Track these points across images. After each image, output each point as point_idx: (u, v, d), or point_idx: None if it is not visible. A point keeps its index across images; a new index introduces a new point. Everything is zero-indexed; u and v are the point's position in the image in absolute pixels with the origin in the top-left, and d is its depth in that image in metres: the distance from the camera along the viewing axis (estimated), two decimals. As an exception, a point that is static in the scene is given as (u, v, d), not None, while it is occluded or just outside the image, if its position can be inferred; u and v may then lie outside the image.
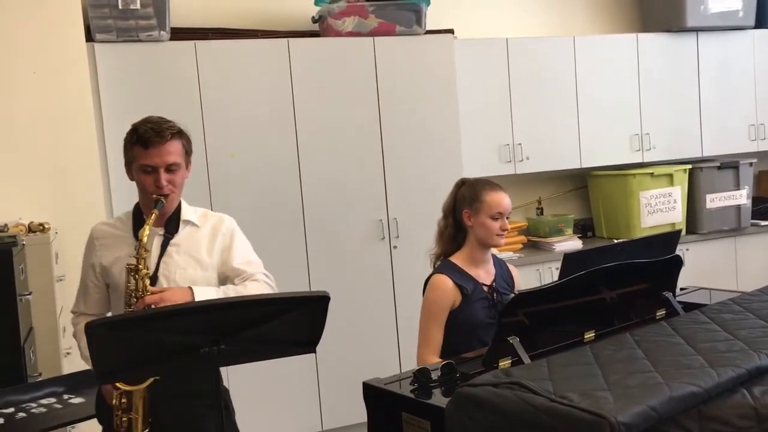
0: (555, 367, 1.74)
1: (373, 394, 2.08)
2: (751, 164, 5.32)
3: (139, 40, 3.84)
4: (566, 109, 4.92)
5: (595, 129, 4.98)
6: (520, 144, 4.78)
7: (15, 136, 3.51)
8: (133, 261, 2.21)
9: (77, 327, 2.37)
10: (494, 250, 2.81)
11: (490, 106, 4.72)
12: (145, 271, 2.20)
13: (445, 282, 2.63)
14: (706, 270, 4.94)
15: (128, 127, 3.88)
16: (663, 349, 1.81)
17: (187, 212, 2.39)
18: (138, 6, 3.78)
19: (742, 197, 5.25)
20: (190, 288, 2.23)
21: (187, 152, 2.34)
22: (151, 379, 2.15)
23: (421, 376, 2.04)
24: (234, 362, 2.30)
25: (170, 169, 2.27)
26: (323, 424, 4.24)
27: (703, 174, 5.18)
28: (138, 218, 2.35)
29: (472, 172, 4.33)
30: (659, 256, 2.39)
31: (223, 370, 2.38)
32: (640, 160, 5.13)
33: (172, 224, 2.34)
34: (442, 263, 2.73)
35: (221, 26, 4.30)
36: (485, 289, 2.68)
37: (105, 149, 3.79)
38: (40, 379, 2.87)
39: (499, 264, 2.81)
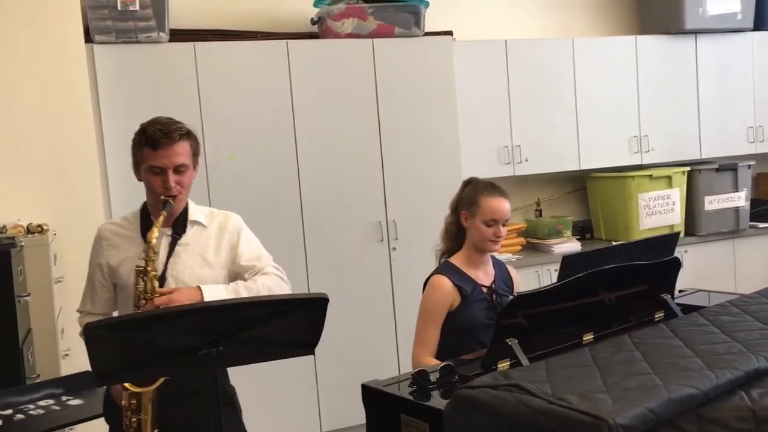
0: (553, 369, 1.74)
1: (371, 395, 2.08)
2: (749, 166, 5.32)
3: (138, 42, 3.84)
4: (565, 111, 4.92)
5: (593, 131, 4.98)
6: (519, 146, 4.79)
7: (14, 137, 3.51)
8: (142, 263, 2.21)
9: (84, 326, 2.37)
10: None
11: (489, 108, 4.72)
12: (153, 272, 2.21)
13: (444, 283, 2.63)
14: (704, 272, 4.94)
15: (127, 129, 3.87)
16: (661, 351, 1.81)
17: (195, 212, 2.40)
18: (137, 7, 3.78)
19: (740, 199, 5.26)
20: (199, 287, 2.23)
21: (195, 153, 2.34)
22: (161, 380, 2.15)
23: (419, 378, 2.04)
24: (233, 364, 2.30)
25: (178, 170, 2.27)
26: (322, 425, 4.23)
27: (702, 176, 5.19)
28: (145, 218, 2.36)
29: (470, 174, 4.29)
30: (658, 258, 2.40)
31: (228, 368, 2.39)
32: (638, 162, 5.14)
33: (179, 224, 2.35)
34: (442, 264, 2.73)
35: (220, 28, 4.31)
36: (484, 290, 2.67)
37: (104, 150, 3.79)
38: (38, 380, 2.87)
39: (499, 265, 2.81)
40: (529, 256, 4.82)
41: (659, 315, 2.41)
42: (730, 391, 1.60)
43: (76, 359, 3.26)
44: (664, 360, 1.74)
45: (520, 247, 4.88)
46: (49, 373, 3.02)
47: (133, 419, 2.20)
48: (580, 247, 4.87)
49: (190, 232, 2.36)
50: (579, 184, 5.38)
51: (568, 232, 4.97)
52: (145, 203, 2.39)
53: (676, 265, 2.46)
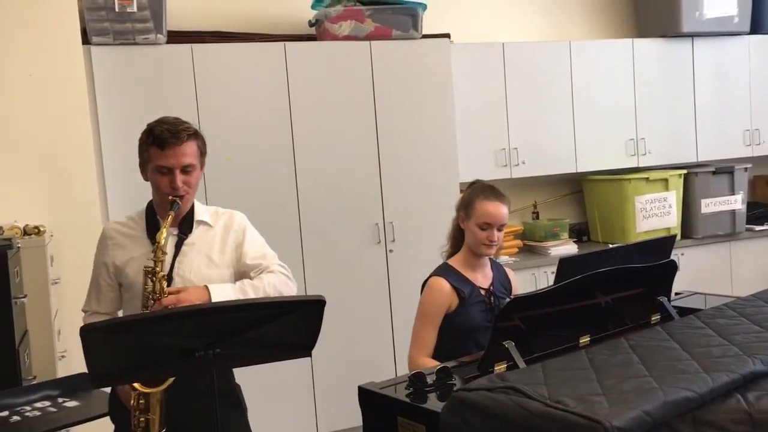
0: (550, 371, 1.74)
1: (368, 398, 2.08)
2: (746, 169, 5.34)
3: (136, 43, 3.84)
4: (562, 114, 4.93)
5: (590, 134, 4.99)
6: (516, 148, 4.79)
7: (11, 138, 3.50)
8: (150, 263, 2.21)
9: None
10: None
11: (486, 111, 4.73)
12: (162, 273, 2.21)
13: (442, 284, 2.63)
14: (700, 275, 4.95)
15: (125, 130, 3.90)
16: (658, 354, 1.82)
17: (200, 212, 2.40)
18: (135, 9, 3.78)
19: (737, 202, 5.27)
20: (207, 287, 2.23)
21: (202, 153, 2.35)
22: (170, 381, 2.16)
23: (416, 380, 2.04)
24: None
25: (186, 170, 2.27)
26: (318, 428, 4.23)
27: (698, 179, 5.20)
28: (151, 218, 2.36)
29: (468, 177, 4.33)
30: (654, 260, 2.40)
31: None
32: (635, 165, 5.15)
33: (186, 224, 2.36)
34: (440, 266, 2.74)
35: (218, 29, 4.31)
36: (482, 292, 2.68)
37: (101, 152, 3.79)
38: (34, 382, 2.86)
39: (497, 268, 2.81)
40: (525, 258, 4.82)
41: (656, 318, 2.41)
42: (727, 393, 1.60)
43: (72, 361, 3.26)
44: (660, 363, 1.74)
45: (516, 250, 4.89)
46: (45, 375, 3.02)
47: (142, 419, 2.21)
48: (577, 250, 4.88)
49: (197, 231, 2.37)
50: (576, 187, 5.38)
51: (565, 235, 4.98)
52: (150, 203, 2.39)
53: (673, 267, 2.46)
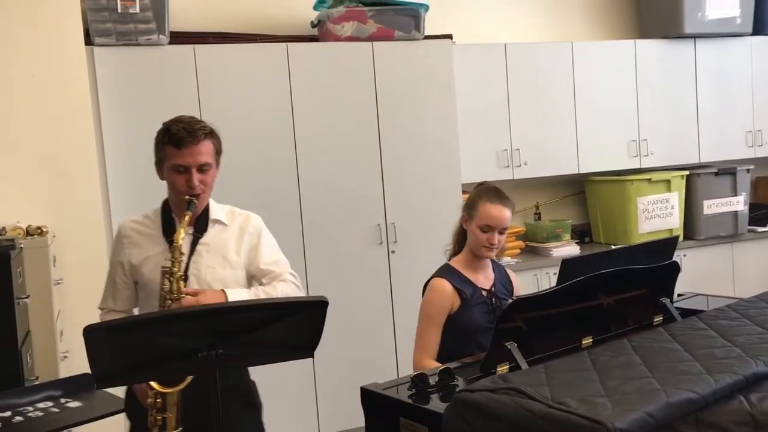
0: (553, 372, 1.74)
1: (370, 399, 2.08)
2: (748, 170, 5.33)
3: (138, 44, 3.85)
4: (564, 115, 4.93)
5: (592, 135, 4.99)
6: (518, 149, 4.79)
7: (14, 138, 3.51)
8: (167, 263, 2.22)
9: None
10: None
11: (489, 112, 4.73)
12: (179, 273, 2.22)
13: (444, 285, 2.63)
14: (703, 276, 4.95)
15: (127, 131, 3.91)
16: (660, 355, 1.82)
17: (216, 211, 2.41)
18: (137, 10, 3.78)
19: (739, 203, 5.26)
20: (223, 291, 2.25)
21: (218, 152, 2.35)
22: (188, 380, 2.16)
23: (419, 381, 2.04)
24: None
25: (202, 169, 2.28)
26: (320, 428, 4.23)
27: (701, 180, 5.19)
28: (167, 217, 2.37)
29: (470, 178, 4.35)
30: (657, 262, 2.40)
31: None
32: (637, 166, 5.15)
33: (201, 223, 2.37)
34: (442, 267, 2.73)
35: (220, 30, 4.31)
36: (484, 293, 2.67)
37: (103, 153, 3.79)
38: (37, 382, 2.86)
39: (498, 269, 2.81)
40: (527, 259, 4.82)
41: (658, 319, 2.41)
42: (729, 395, 1.60)
43: (74, 361, 3.26)
44: (663, 364, 1.74)
45: (518, 251, 4.88)
46: (47, 375, 3.02)
47: (158, 417, 2.22)
48: (579, 251, 4.87)
49: (212, 231, 2.38)
50: (578, 188, 5.38)
51: (567, 236, 4.98)
52: (165, 201, 2.41)
53: (675, 269, 2.46)
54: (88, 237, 3.63)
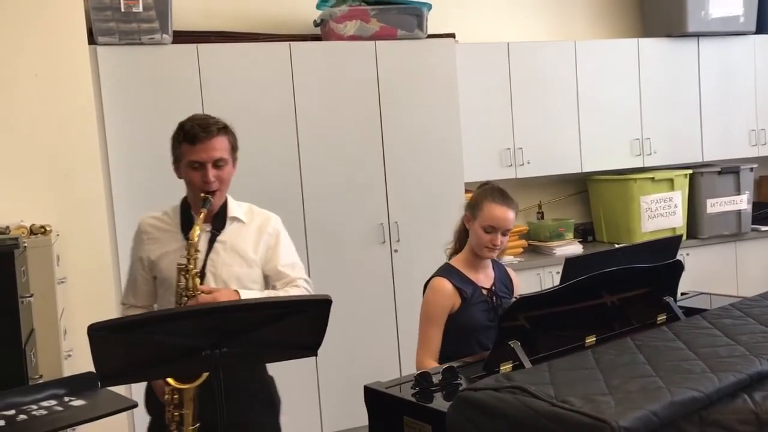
0: (556, 371, 1.74)
1: (374, 397, 2.08)
2: (751, 169, 5.33)
3: (142, 43, 3.85)
4: (567, 114, 4.93)
5: (595, 133, 4.99)
6: (521, 148, 4.79)
7: (17, 138, 3.51)
8: (183, 260, 2.24)
9: None
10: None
11: (491, 111, 4.72)
12: (195, 270, 2.24)
13: (444, 285, 2.63)
14: (706, 275, 4.94)
15: (130, 130, 3.92)
16: (664, 354, 1.81)
17: (234, 208, 2.43)
18: (140, 9, 3.78)
19: (742, 202, 5.26)
20: (237, 291, 2.27)
21: (234, 148, 2.39)
22: (204, 377, 2.18)
23: (422, 379, 2.04)
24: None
25: (217, 164, 2.31)
26: (323, 427, 4.23)
27: (704, 179, 5.19)
28: (185, 213, 2.39)
29: (472, 177, 4.35)
30: (660, 260, 2.40)
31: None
32: (640, 165, 5.14)
33: (218, 220, 2.39)
34: (442, 267, 2.74)
35: (223, 29, 4.31)
36: (484, 292, 2.68)
37: (107, 152, 3.80)
38: (40, 381, 2.87)
39: (498, 268, 2.81)
40: (530, 258, 4.82)
41: (661, 318, 2.41)
42: (733, 394, 1.60)
43: (78, 360, 3.27)
44: (666, 363, 1.74)
45: (521, 250, 4.88)
46: (51, 374, 3.02)
47: (176, 413, 2.25)
48: (582, 250, 4.87)
49: (229, 228, 2.40)
50: (581, 187, 5.38)
51: (570, 235, 4.98)
52: (185, 198, 2.43)
53: (679, 267, 2.46)
54: (92, 236, 3.64)
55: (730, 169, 5.25)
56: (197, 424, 2.25)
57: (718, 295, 2.88)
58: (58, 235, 3.44)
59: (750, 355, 1.73)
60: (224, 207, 2.41)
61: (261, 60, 4.10)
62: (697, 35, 5.22)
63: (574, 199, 5.41)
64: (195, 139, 2.27)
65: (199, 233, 2.26)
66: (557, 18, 5.35)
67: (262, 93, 4.08)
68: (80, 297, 3.55)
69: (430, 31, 4.44)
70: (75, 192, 3.60)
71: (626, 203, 5.00)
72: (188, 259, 2.24)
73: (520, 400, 1.57)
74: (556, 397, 1.56)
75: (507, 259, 4.53)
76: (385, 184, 4.33)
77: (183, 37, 4.06)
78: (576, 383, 1.64)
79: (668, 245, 2.75)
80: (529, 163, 4.81)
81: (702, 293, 2.93)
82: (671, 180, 5.06)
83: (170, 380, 2.21)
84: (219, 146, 2.30)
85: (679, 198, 5.07)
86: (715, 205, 5.18)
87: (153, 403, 2.40)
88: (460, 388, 1.96)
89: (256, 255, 2.40)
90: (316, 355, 2.02)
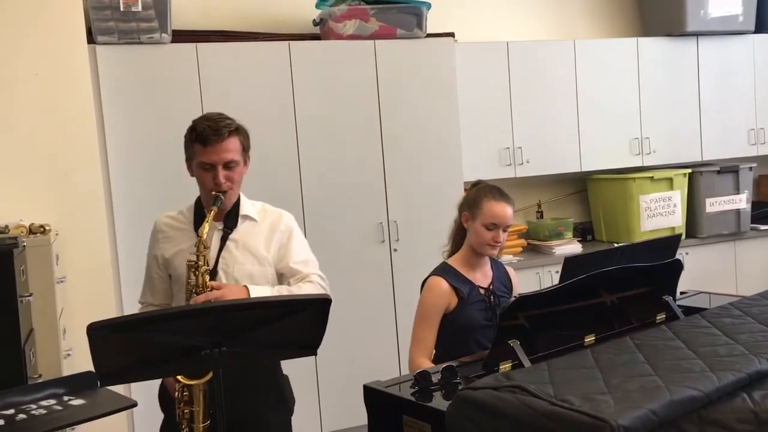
0: (556, 370, 1.74)
1: (373, 396, 2.08)
2: (750, 168, 5.33)
3: (141, 42, 3.85)
4: (566, 113, 4.93)
5: (595, 133, 4.99)
6: (520, 147, 4.79)
7: (16, 137, 3.51)
8: (193, 257, 2.26)
9: None
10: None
11: (491, 110, 4.73)
12: (204, 267, 2.25)
13: (440, 284, 2.63)
14: (705, 274, 4.94)
15: (129, 130, 3.93)
16: (663, 353, 1.82)
17: (246, 207, 2.44)
18: (139, 8, 3.78)
19: (741, 201, 5.26)
20: (246, 287, 2.28)
21: (245, 149, 2.39)
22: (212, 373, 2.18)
23: (421, 379, 2.05)
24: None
25: (228, 166, 2.32)
26: (323, 426, 4.24)
27: (703, 178, 5.19)
28: (198, 212, 2.41)
29: (472, 176, 4.34)
30: (659, 260, 2.40)
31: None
32: (640, 164, 5.14)
33: (231, 219, 2.40)
34: (439, 266, 2.74)
35: (222, 29, 4.31)
36: (482, 291, 2.68)
37: (106, 151, 3.80)
38: (40, 380, 2.87)
39: (497, 267, 2.81)
40: (530, 257, 4.82)
41: (661, 317, 2.41)
42: (732, 392, 1.60)
43: (77, 359, 3.27)
44: (665, 362, 1.74)
45: (521, 249, 4.88)
46: (50, 373, 3.02)
47: (186, 410, 2.26)
48: (581, 249, 4.87)
49: (242, 227, 2.41)
50: (580, 186, 5.38)
51: (569, 234, 4.98)
52: (199, 197, 2.45)
53: (678, 267, 2.46)
54: (91, 235, 3.64)
55: (729, 169, 5.25)
56: (207, 422, 2.25)
57: (717, 295, 2.88)
58: (57, 234, 3.44)
59: (749, 354, 1.74)
60: (236, 206, 2.42)
61: (260, 59, 4.10)
62: (697, 34, 5.22)
63: (573, 199, 5.41)
64: (206, 140, 2.28)
65: (208, 230, 2.28)
66: (557, 17, 5.35)
67: (261, 92, 4.08)
68: (79, 296, 3.55)
69: (429, 31, 4.44)
70: (74, 191, 3.60)
71: (625, 202, 5.01)
72: (197, 256, 2.25)
73: (520, 399, 1.57)
74: (555, 396, 1.56)
75: (506, 258, 4.53)
76: (384, 183, 4.33)
77: (182, 36, 4.05)
78: (575, 382, 1.64)
79: (667, 244, 2.76)
80: (528, 162, 4.81)
81: (701, 292, 2.93)
82: (670, 179, 5.06)
83: (179, 376, 2.23)
84: (230, 148, 2.31)
85: (678, 197, 5.07)
86: (714, 205, 5.19)
87: (166, 400, 2.41)
88: (460, 387, 1.96)
89: (268, 253, 2.40)
90: (316, 355, 2.02)
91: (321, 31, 4.36)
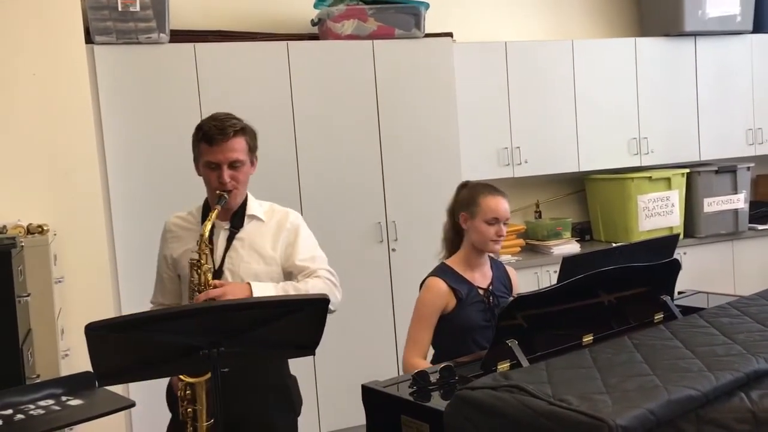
0: (554, 370, 1.74)
1: (371, 396, 2.08)
2: (748, 168, 5.33)
3: (139, 42, 3.85)
4: (564, 113, 4.93)
5: (593, 133, 4.99)
6: (518, 147, 4.79)
7: (14, 137, 3.51)
8: (196, 256, 2.27)
9: None
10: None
11: (489, 110, 4.73)
12: (207, 265, 2.26)
13: (438, 285, 2.63)
14: (703, 274, 4.95)
15: (127, 129, 3.93)
16: (661, 352, 1.82)
17: (253, 207, 2.45)
18: (137, 8, 3.78)
19: (739, 201, 5.27)
20: (249, 284, 2.28)
21: (252, 149, 2.39)
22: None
23: (420, 378, 2.04)
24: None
25: (233, 165, 2.32)
26: (321, 426, 4.24)
27: (701, 178, 5.19)
28: (206, 212, 2.41)
29: (470, 176, 4.32)
30: (657, 259, 2.40)
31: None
32: (638, 164, 5.14)
33: (237, 219, 2.40)
34: (438, 266, 2.73)
35: (220, 29, 4.31)
36: (480, 292, 2.67)
37: (104, 151, 3.79)
38: (38, 380, 2.87)
39: (497, 267, 2.80)
40: (528, 257, 4.82)
41: (659, 316, 2.41)
42: (730, 392, 1.60)
43: (75, 359, 3.27)
44: (663, 361, 1.74)
45: (519, 249, 4.88)
46: (48, 373, 3.02)
47: (189, 409, 2.26)
48: (580, 249, 4.88)
49: (248, 226, 2.41)
50: (578, 186, 5.38)
51: (568, 234, 4.98)
52: (207, 198, 2.46)
53: (676, 266, 2.46)
54: (89, 235, 3.64)
55: (727, 168, 5.26)
56: (211, 420, 2.25)
57: (715, 294, 2.88)
58: (55, 234, 3.44)
59: (747, 354, 1.74)
60: (243, 205, 2.43)
61: (258, 59, 4.10)
62: (695, 34, 5.23)
63: (571, 198, 5.42)
64: (212, 140, 2.29)
65: (216, 228, 2.29)
66: (555, 17, 5.35)
67: (259, 92, 4.08)
68: (77, 296, 3.55)
69: (427, 31, 4.44)
70: (72, 191, 3.60)
71: (623, 202, 5.01)
72: (200, 254, 2.26)
73: (518, 399, 1.57)
74: (553, 395, 1.56)
75: (504, 258, 4.53)
76: (382, 183, 4.33)
77: (180, 36, 4.05)
78: (573, 382, 1.64)
79: (665, 244, 2.76)
80: (526, 162, 4.81)
81: (699, 292, 2.93)
82: (668, 179, 5.07)
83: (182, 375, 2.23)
84: (236, 147, 2.32)
85: (676, 197, 5.08)
86: (712, 204, 5.19)
87: (173, 399, 2.41)
88: (458, 387, 1.96)
89: (275, 252, 2.41)
90: (314, 354, 2.02)
91: (319, 31, 4.36)
